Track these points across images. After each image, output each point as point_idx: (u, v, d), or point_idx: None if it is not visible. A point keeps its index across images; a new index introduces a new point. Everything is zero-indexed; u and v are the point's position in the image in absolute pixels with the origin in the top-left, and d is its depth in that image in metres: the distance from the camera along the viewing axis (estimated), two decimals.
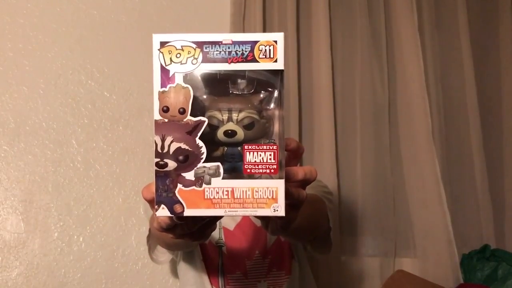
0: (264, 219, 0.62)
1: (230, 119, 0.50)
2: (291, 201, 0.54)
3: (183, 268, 1.10)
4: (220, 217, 0.56)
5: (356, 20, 1.64)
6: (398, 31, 1.65)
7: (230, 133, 0.50)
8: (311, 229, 0.87)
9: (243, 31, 1.52)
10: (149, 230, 1.06)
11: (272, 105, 0.50)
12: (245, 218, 1.07)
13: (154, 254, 1.12)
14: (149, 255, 1.12)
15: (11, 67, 1.41)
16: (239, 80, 0.50)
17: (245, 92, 0.50)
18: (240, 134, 0.50)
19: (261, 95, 0.51)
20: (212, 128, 0.50)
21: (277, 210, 0.50)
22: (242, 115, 0.50)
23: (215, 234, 1.06)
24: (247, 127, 0.50)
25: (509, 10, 1.77)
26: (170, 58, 0.50)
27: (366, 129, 1.60)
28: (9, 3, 1.44)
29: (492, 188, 1.65)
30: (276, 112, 0.50)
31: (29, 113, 1.40)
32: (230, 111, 0.50)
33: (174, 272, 1.38)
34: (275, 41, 0.49)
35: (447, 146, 1.67)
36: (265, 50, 0.49)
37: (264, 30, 1.54)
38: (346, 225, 1.57)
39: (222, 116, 0.50)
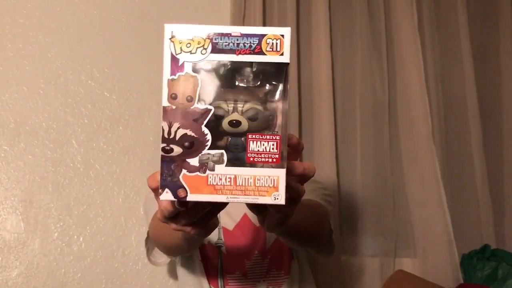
0: (261, 213, 0.62)
1: (235, 109, 0.51)
2: (290, 194, 0.55)
3: (182, 268, 1.10)
4: (223, 207, 0.57)
5: (356, 20, 1.64)
6: (398, 31, 1.65)
7: (234, 123, 0.51)
8: (309, 233, 0.86)
9: None
10: (148, 233, 1.06)
11: (276, 98, 0.52)
12: (245, 218, 1.07)
13: (152, 255, 1.12)
14: (147, 257, 1.12)
15: (11, 67, 1.41)
16: (245, 73, 0.51)
17: (251, 85, 0.52)
18: (244, 124, 0.51)
19: (266, 88, 0.52)
20: (217, 118, 0.51)
21: (277, 198, 0.51)
22: (247, 106, 0.51)
23: (214, 234, 1.05)
24: (251, 118, 0.51)
25: (509, 10, 1.77)
26: (181, 48, 0.51)
27: (366, 129, 1.60)
28: (9, 3, 1.44)
29: (492, 188, 1.65)
30: (280, 105, 0.51)
31: (29, 113, 1.40)
32: (235, 102, 0.51)
33: (174, 273, 1.38)
34: (282, 35, 0.51)
35: (447, 146, 1.67)
36: (272, 43, 0.51)
37: None
38: (346, 225, 1.57)
39: (227, 106, 0.51)
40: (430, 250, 1.54)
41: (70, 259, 1.37)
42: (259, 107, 0.51)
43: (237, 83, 0.52)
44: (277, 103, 0.51)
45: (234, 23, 1.52)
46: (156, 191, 0.54)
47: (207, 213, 0.58)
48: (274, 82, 0.51)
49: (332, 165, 1.53)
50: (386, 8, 1.66)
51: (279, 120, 0.51)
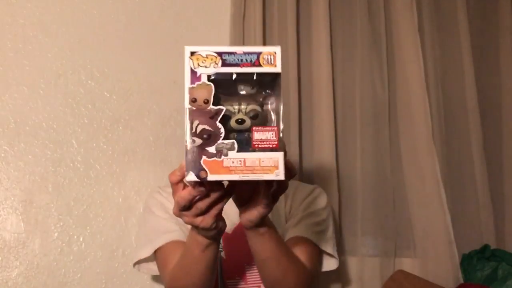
0: (242, 206, 0.75)
1: (240, 111, 0.65)
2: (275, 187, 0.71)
3: None
4: (229, 196, 0.70)
5: (356, 20, 1.64)
6: (398, 31, 1.65)
7: (240, 121, 0.65)
8: (277, 267, 0.90)
9: (243, 31, 1.53)
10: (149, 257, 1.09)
11: (270, 101, 0.65)
12: None
13: (142, 263, 1.13)
14: (134, 263, 1.14)
15: (11, 67, 1.41)
16: (247, 82, 0.65)
17: (251, 92, 0.66)
18: (248, 122, 0.65)
19: (263, 94, 0.65)
20: (226, 118, 0.64)
21: (278, 175, 0.63)
22: (249, 108, 0.65)
23: None
24: (252, 117, 0.65)
25: (509, 10, 1.77)
26: (198, 63, 0.65)
27: (366, 129, 1.60)
28: (9, 3, 1.44)
29: (492, 188, 1.65)
30: (274, 106, 0.65)
31: (29, 113, 1.40)
32: (240, 105, 0.65)
33: None
34: (275, 52, 0.65)
35: (447, 146, 1.67)
36: (268, 58, 0.64)
37: (264, 31, 1.55)
38: (346, 225, 1.57)
39: (234, 109, 0.65)
40: (430, 250, 1.54)
41: (70, 259, 1.37)
42: (258, 108, 0.65)
43: (241, 90, 0.65)
44: (272, 105, 0.65)
45: (234, 23, 1.52)
46: (176, 186, 0.68)
47: (215, 203, 0.69)
48: (268, 90, 0.66)
49: (332, 165, 1.53)
50: (386, 8, 1.66)
51: (274, 117, 0.66)
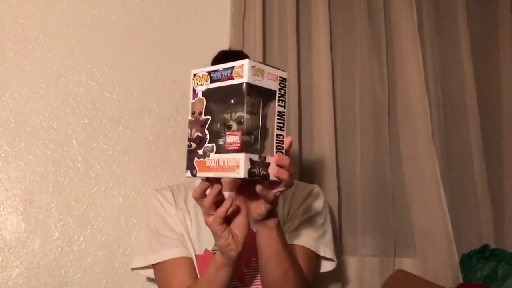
0: (252, 200, 0.84)
1: (231, 117, 0.75)
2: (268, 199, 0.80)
3: None
4: (228, 204, 0.81)
5: (356, 20, 1.64)
6: (398, 31, 1.65)
7: (229, 126, 0.75)
8: (277, 270, 0.92)
9: (243, 31, 1.53)
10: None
11: (252, 107, 0.74)
12: None
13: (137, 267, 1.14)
14: (132, 266, 1.15)
15: (11, 67, 1.41)
16: (234, 94, 0.75)
17: (236, 101, 0.75)
18: (234, 127, 0.75)
19: (245, 101, 0.74)
20: (224, 124, 0.76)
21: (239, 174, 0.72)
22: (237, 115, 0.75)
23: (211, 241, 1.04)
24: (238, 122, 0.74)
25: (509, 10, 1.78)
26: (197, 83, 0.81)
27: (366, 129, 1.60)
28: (9, 3, 1.44)
29: (492, 188, 1.65)
30: (259, 111, 0.75)
31: (29, 113, 1.40)
32: (231, 113, 0.76)
33: None
34: (243, 65, 0.75)
35: (447, 146, 1.67)
36: (238, 71, 0.75)
37: (264, 31, 1.55)
38: (346, 225, 1.57)
39: (227, 116, 0.76)
40: (430, 250, 1.54)
41: (71, 259, 1.37)
42: (245, 115, 0.74)
43: (231, 101, 0.75)
44: (254, 110, 0.74)
45: (234, 23, 1.52)
46: (199, 201, 0.81)
47: (219, 203, 0.81)
48: (242, 98, 0.74)
49: (332, 165, 1.53)
50: (386, 8, 1.66)
51: (258, 122, 0.75)
